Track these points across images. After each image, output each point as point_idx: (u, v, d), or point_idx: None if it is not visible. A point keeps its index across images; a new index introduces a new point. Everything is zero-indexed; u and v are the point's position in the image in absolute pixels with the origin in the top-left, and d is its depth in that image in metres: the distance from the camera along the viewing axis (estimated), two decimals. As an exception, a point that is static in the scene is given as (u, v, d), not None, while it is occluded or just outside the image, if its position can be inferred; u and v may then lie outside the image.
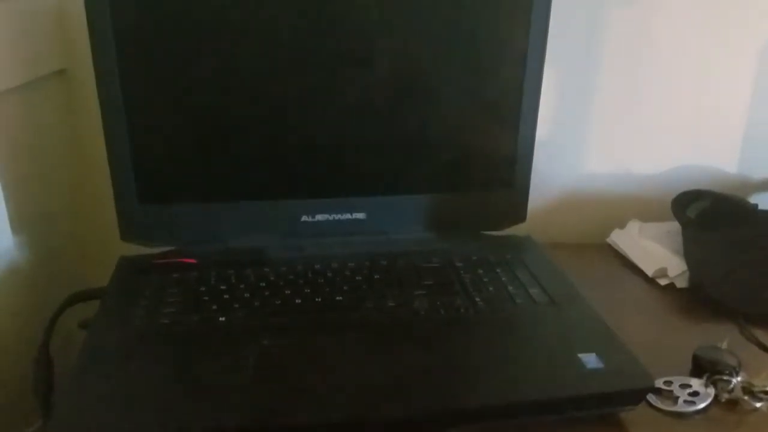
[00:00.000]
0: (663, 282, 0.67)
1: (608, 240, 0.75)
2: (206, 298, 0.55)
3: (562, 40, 0.65)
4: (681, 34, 0.73)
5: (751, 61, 0.75)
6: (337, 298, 0.56)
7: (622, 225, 0.75)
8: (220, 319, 0.52)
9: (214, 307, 0.54)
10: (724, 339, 0.54)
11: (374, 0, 0.59)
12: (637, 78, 0.75)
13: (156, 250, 0.62)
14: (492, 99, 0.64)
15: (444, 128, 0.64)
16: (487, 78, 0.63)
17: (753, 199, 0.74)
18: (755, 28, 0.74)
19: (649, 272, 0.68)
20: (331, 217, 0.64)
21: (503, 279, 0.59)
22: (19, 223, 0.58)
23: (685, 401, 0.49)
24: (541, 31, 0.61)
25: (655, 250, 0.69)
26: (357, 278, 0.59)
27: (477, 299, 0.56)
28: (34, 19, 0.62)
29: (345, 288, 0.57)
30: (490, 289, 0.57)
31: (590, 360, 0.48)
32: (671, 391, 0.50)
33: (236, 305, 0.54)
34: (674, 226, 0.71)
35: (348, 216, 0.64)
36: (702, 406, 0.49)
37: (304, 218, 0.63)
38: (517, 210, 0.67)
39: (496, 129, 0.65)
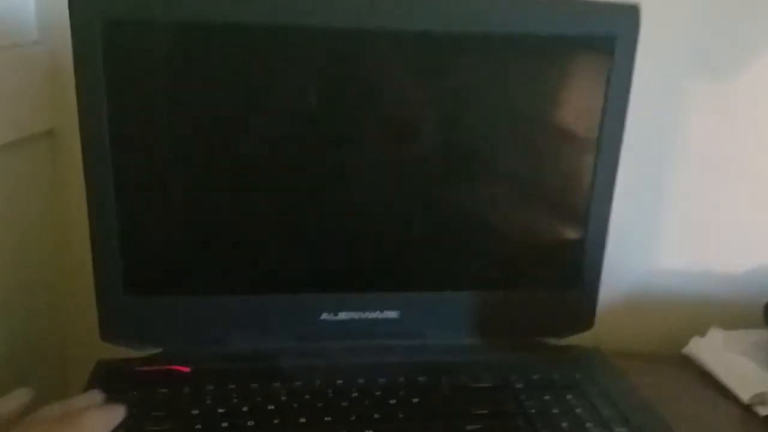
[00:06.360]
0: (763, 412, 0.54)
1: (685, 351, 0.63)
2: (199, 426, 0.43)
3: (638, 121, 0.55)
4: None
5: None
6: (366, 431, 0.44)
7: (700, 332, 0.63)
8: (215, 458, 0.41)
9: (208, 439, 0.42)
10: None
11: (419, 72, 0.50)
12: (721, 167, 0.65)
13: (143, 354, 0.51)
14: (557, 187, 0.54)
15: (497, 218, 0.54)
16: (552, 162, 0.53)
17: None
18: None
19: (744, 398, 0.56)
20: (357, 316, 0.53)
21: (577, 410, 0.47)
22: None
23: None
24: (618, 114, 0.52)
25: (748, 369, 0.58)
26: (390, 402, 0.47)
27: (548, 441, 0.44)
28: (23, 75, 0.53)
29: (376, 416, 0.45)
30: (564, 425, 0.45)
31: None
32: None
33: (236, 437, 0.43)
34: (765, 335, 0.60)
35: (378, 315, 0.53)
36: None
37: (324, 316, 0.53)
38: (583, 315, 0.56)
39: (561, 221, 0.55)
